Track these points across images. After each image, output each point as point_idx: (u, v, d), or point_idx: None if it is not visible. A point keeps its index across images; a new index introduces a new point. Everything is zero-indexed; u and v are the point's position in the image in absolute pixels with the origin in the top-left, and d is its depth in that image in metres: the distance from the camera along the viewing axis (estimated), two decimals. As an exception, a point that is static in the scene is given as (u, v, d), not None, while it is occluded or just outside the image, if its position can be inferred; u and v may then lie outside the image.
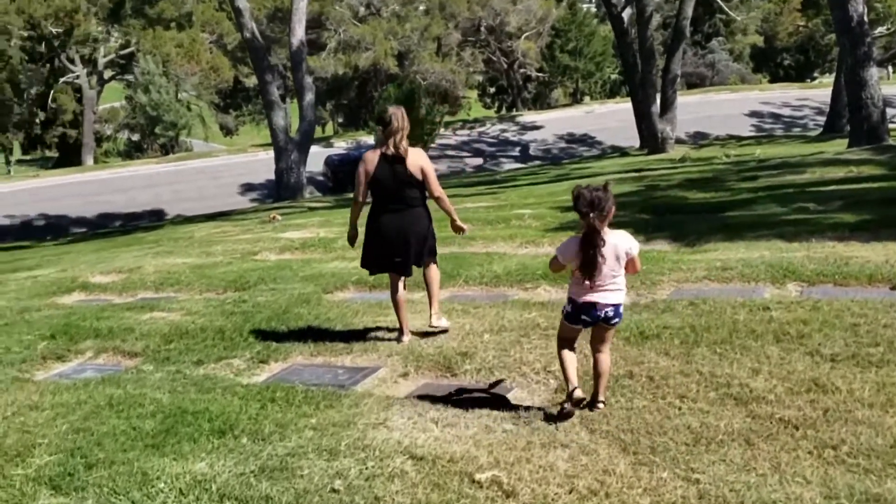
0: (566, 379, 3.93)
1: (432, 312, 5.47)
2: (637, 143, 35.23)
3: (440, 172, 38.39)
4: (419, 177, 5.25)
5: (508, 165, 38.93)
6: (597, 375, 4.00)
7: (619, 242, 3.88)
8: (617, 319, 3.94)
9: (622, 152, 36.06)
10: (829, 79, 63.94)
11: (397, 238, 5.30)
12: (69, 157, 55.79)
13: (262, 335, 5.99)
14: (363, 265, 5.66)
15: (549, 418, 3.88)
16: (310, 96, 24.18)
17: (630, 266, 3.93)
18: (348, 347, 5.42)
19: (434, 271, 5.53)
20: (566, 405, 3.87)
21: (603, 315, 3.86)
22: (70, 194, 35.73)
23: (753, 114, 46.00)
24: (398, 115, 5.28)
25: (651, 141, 29.51)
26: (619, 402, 3.98)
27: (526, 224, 11.68)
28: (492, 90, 69.98)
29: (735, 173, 16.56)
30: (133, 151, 59.34)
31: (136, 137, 60.13)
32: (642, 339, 4.89)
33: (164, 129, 48.04)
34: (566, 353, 3.98)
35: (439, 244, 9.75)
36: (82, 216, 32.93)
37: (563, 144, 43.47)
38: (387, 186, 5.25)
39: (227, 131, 69.92)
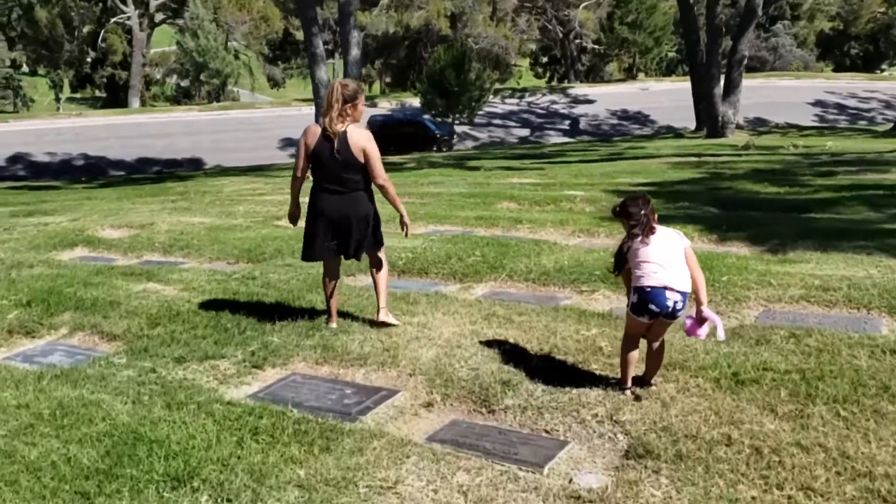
0: (623, 377, 3.88)
1: (380, 307, 5.01)
2: (692, 125, 33.70)
3: (482, 141, 37.48)
4: (360, 159, 4.77)
5: (556, 139, 37.56)
6: (650, 357, 3.90)
7: (670, 233, 3.90)
8: (681, 312, 3.74)
9: (676, 133, 34.51)
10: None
11: (339, 222, 4.88)
12: (117, 98, 55.62)
13: (263, 327, 5.00)
14: (304, 258, 5.16)
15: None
16: (355, 52, 23.02)
17: (689, 264, 3.81)
18: (363, 355, 4.40)
19: (380, 257, 5.12)
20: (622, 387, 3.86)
21: (671, 305, 3.68)
22: (112, 136, 35.29)
23: (817, 103, 43.91)
24: (333, 87, 4.84)
25: (711, 124, 27.90)
26: (720, 487, 2.89)
27: (578, 208, 10.53)
28: (544, 60, 68.26)
29: (807, 167, 15.18)
30: (181, 97, 58.95)
31: (184, 83, 59.70)
32: (737, 385, 3.78)
33: (210, 76, 47.29)
34: (631, 354, 3.85)
35: (484, 226, 8.62)
36: (121, 159, 32.44)
37: (614, 121, 41.92)
38: (326, 166, 4.83)
39: (274, 83, 69.22)
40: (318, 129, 4.85)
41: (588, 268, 6.38)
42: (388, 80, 66.49)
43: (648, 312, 3.71)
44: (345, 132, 4.76)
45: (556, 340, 4.51)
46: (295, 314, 5.25)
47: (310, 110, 39.75)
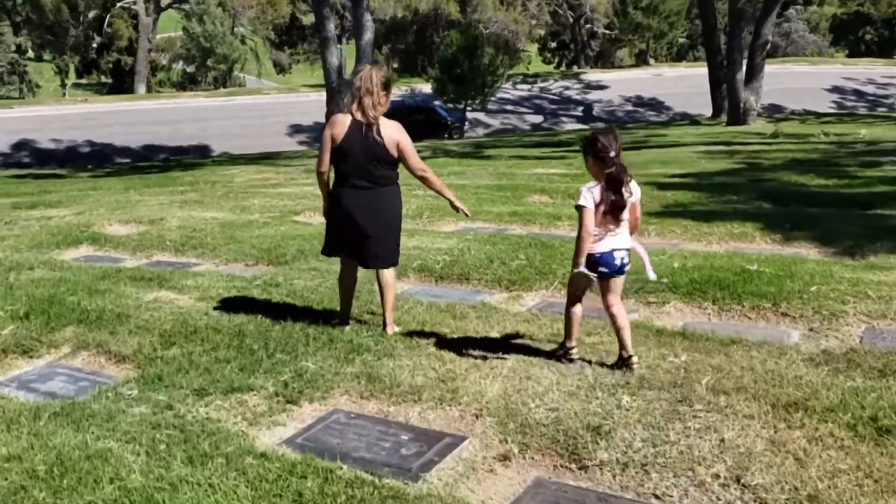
0: (567, 334, 4.04)
1: (387, 322, 4.67)
2: (708, 112, 32.97)
3: (494, 128, 36.78)
4: (394, 153, 4.45)
5: (570, 126, 36.81)
6: (619, 329, 3.93)
7: (634, 186, 3.90)
8: (628, 266, 3.95)
9: (692, 120, 33.79)
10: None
11: (361, 220, 4.49)
12: (123, 83, 54.95)
13: (295, 348, 4.34)
14: (324, 252, 4.80)
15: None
16: (368, 35, 22.26)
17: (633, 210, 3.94)
18: (415, 388, 3.73)
19: (390, 274, 4.67)
20: (558, 352, 4.09)
21: (619, 262, 3.88)
22: (118, 122, 34.65)
23: (834, 89, 43.08)
24: (365, 75, 4.45)
25: (732, 111, 27.11)
26: None
27: (616, 201, 9.83)
28: (553, 45, 67.26)
29: (847, 157, 14.43)
30: (186, 83, 58.20)
31: (190, 69, 58.93)
32: (881, 434, 3.11)
33: (217, 61, 46.53)
34: (574, 310, 4.02)
35: (519, 223, 7.95)
36: (127, 146, 31.82)
37: (629, 107, 41.15)
38: (355, 160, 4.43)
39: (281, 69, 68.42)
40: (347, 120, 4.44)
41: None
42: (395, 65, 65.69)
43: (598, 273, 3.87)
44: (378, 124, 4.41)
45: (641, 371, 3.84)
46: (329, 331, 4.60)
47: (318, 96, 39.08)
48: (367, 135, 4.38)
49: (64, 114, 36.69)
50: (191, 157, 28.76)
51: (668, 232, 7.59)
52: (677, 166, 13.50)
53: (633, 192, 3.89)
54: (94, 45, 59.79)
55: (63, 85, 57.61)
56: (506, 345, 4.30)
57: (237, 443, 3.21)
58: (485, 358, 4.08)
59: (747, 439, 3.11)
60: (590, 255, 3.83)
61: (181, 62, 61.27)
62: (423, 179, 4.59)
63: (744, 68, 26.76)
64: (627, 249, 3.92)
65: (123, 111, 37.33)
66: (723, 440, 3.12)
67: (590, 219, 3.78)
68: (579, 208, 3.81)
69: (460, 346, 4.31)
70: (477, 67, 32.30)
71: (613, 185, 3.76)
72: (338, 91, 22.02)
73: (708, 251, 6.63)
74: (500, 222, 8.55)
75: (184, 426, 3.38)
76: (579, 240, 3.83)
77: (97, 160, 29.05)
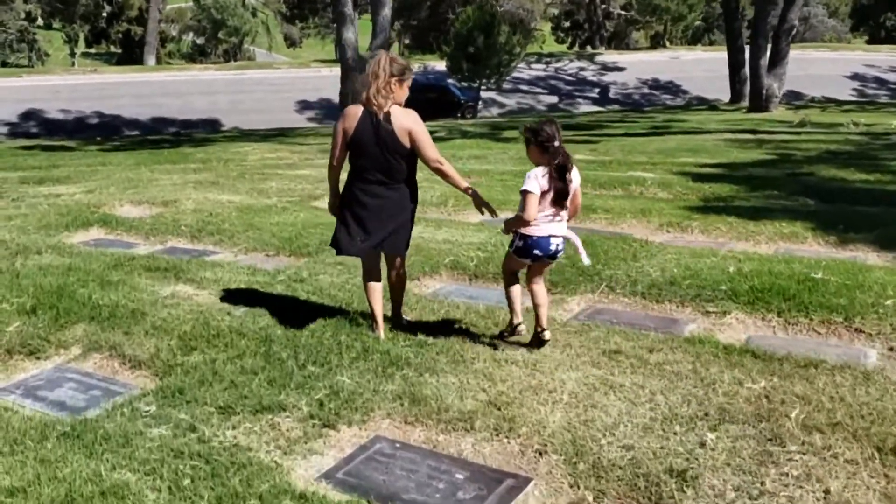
0: (512, 311, 4.17)
1: (396, 313, 4.58)
2: (725, 97, 32.37)
3: (509, 108, 36.23)
4: (407, 144, 4.18)
5: (585, 107, 36.22)
6: (537, 306, 4.12)
7: (575, 175, 3.99)
8: (561, 253, 4.10)
9: (710, 105, 33.19)
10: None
11: (377, 216, 4.27)
12: (132, 54, 54.35)
13: (327, 358, 3.94)
14: (334, 247, 4.47)
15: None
16: (386, 10, 21.69)
17: (574, 197, 4.04)
18: (465, 414, 3.33)
19: (398, 268, 4.49)
20: (506, 333, 4.24)
21: (555, 248, 4.02)
22: (127, 94, 34.17)
23: (855, 76, 42.32)
24: (375, 59, 4.22)
25: (754, 97, 26.51)
26: None
27: (650, 193, 9.41)
28: (566, 24, 66.33)
29: (884, 149, 13.92)
30: (196, 55, 57.57)
31: (200, 41, 58.26)
32: None
33: (228, 34, 45.91)
34: (514, 288, 4.18)
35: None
36: (136, 118, 31.38)
37: (645, 90, 40.48)
38: (368, 153, 4.21)
39: (291, 42, 67.71)
40: (358, 111, 4.20)
41: (706, 279, 5.28)
42: (407, 41, 64.88)
43: (532, 256, 4.03)
44: (388, 113, 4.15)
45: (718, 399, 3.43)
46: (362, 338, 4.20)
47: (329, 72, 38.58)
48: (377, 124, 4.14)
49: (73, 84, 36.20)
50: (201, 132, 28.30)
51: (713, 229, 7.15)
52: (707, 155, 13.03)
53: (574, 179, 3.98)
54: (104, 15, 59.14)
55: (72, 54, 57.03)
56: (560, 362, 3.89)
57: (272, 479, 2.81)
58: (539, 379, 3.67)
59: (857, 492, 2.71)
60: (527, 238, 3.99)
61: (191, 34, 60.60)
62: (439, 172, 4.28)
63: (767, 54, 26.12)
64: (564, 238, 4.03)
65: (133, 82, 36.83)
66: (828, 491, 2.72)
67: (534, 204, 3.89)
68: (524, 193, 3.91)
69: (508, 361, 3.91)
70: (492, 46, 31.71)
71: (560, 171, 3.87)
72: (354, 69, 21.49)
73: (761, 253, 6.19)
74: (531, 213, 8.12)
75: (210, 455, 2.99)
76: (518, 219, 3.99)
77: (106, 132, 28.63)
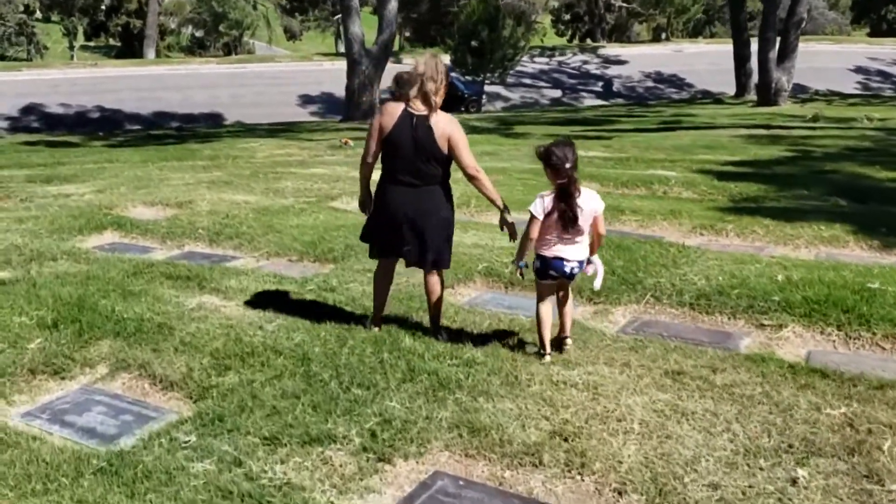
0: (541, 337, 4.09)
1: (435, 329, 4.40)
2: (730, 90, 32.11)
3: (513, 102, 36.01)
4: (445, 150, 4.08)
5: (589, 101, 35.95)
6: (562, 315, 4.18)
7: (590, 198, 3.96)
8: (578, 274, 4.08)
9: (715, 99, 32.95)
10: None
11: (408, 220, 4.15)
12: (132, 47, 53.93)
13: (373, 380, 3.71)
14: (364, 238, 4.48)
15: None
16: (392, 4, 21.38)
17: (595, 225, 4.01)
18: (530, 447, 3.09)
19: (436, 279, 4.34)
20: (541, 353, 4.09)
21: (569, 271, 4.01)
22: (127, 87, 33.83)
23: (859, 69, 42.06)
24: (429, 62, 4.10)
25: (763, 91, 26.24)
26: None
27: (674, 192, 9.18)
28: (566, 17, 65.91)
29: (904, 145, 13.70)
30: (196, 48, 57.14)
31: (199, 34, 57.82)
32: None
33: (229, 27, 45.54)
34: (544, 308, 4.09)
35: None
36: (137, 112, 31.06)
37: (649, 84, 40.18)
38: (403, 153, 4.10)
39: (291, 35, 67.21)
40: (398, 109, 4.09)
41: (755, 288, 5.05)
42: (408, 34, 64.49)
43: (549, 277, 4.05)
44: (428, 116, 4.07)
45: (800, 428, 3.20)
46: (406, 356, 3.97)
47: (331, 66, 38.27)
48: (416, 126, 4.05)
49: (72, 77, 35.85)
50: (203, 126, 28.00)
51: (749, 232, 6.92)
52: (726, 152, 12.78)
53: (596, 207, 3.96)
54: (103, 7, 58.65)
55: (71, 47, 56.58)
56: (622, 385, 3.65)
57: (332, 525, 2.58)
58: (603, 404, 3.44)
59: (973, 539, 2.48)
60: (541, 258, 4.04)
61: (190, 27, 60.15)
62: (474, 180, 4.18)
63: (776, 47, 25.86)
64: (580, 261, 4.01)
65: (133, 76, 36.48)
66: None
67: (535, 227, 3.96)
68: (530, 214, 3.97)
69: (565, 383, 3.68)
70: (497, 39, 31.46)
71: (563, 195, 3.86)
72: (360, 63, 21.22)
73: (808, 260, 5.96)
74: (557, 215, 7.89)
75: (262, 496, 2.76)
76: (522, 242, 4.09)
77: (107, 126, 28.32)
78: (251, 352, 4.09)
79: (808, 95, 33.06)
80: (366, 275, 5.57)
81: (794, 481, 2.81)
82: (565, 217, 3.87)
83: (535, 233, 3.97)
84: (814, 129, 17.10)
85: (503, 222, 4.29)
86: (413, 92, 4.07)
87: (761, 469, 2.89)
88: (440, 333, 4.37)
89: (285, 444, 3.13)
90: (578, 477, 2.90)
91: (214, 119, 30.77)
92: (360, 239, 4.57)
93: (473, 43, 31.28)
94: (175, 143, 18.17)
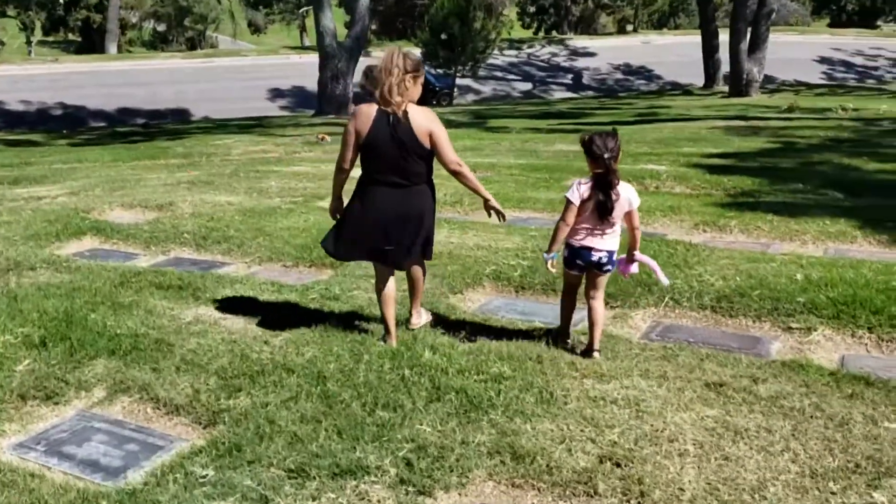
0: (562, 325, 4.22)
1: (413, 311, 4.43)
2: (700, 81, 32.23)
3: (485, 95, 35.85)
4: (427, 145, 3.98)
5: (559, 93, 35.86)
6: (591, 324, 4.06)
7: (626, 191, 3.91)
8: (610, 267, 4.03)
9: (685, 90, 33.07)
10: (893, 27, 59.56)
11: (394, 222, 4.04)
12: (92, 42, 52.76)
13: (397, 400, 3.46)
14: (328, 246, 4.26)
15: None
16: (365, -3, 21.07)
17: (630, 219, 3.99)
18: (579, 473, 2.87)
19: (421, 267, 4.34)
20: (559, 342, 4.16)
21: (597, 260, 3.97)
22: (90, 83, 33.01)
23: (823, 60, 42.53)
24: (386, 55, 3.98)
25: (735, 82, 26.37)
26: None
27: (667, 187, 9.02)
28: (532, 9, 65.82)
29: (884, 136, 13.72)
30: (158, 43, 56.03)
31: (161, 28, 56.71)
32: None
33: (194, 21, 44.68)
34: (567, 301, 4.19)
35: (542, 211, 7.00)
36: (101, 109, 30.32)
37: (618, 76, 40.23)
38: (384, 154, 3.97)
39: (256, 29, 66.28)
40: (372, 110, 3.96)
41: (775, 289, 4.88)
42: (374, 27, 63.92)
43: (576, 266, 4.03)
44: (405, 112, 3.93)
45: (862, 445, 3.01)
46: (429, 371, 3.72)
47: (299, 59, 37.78)
48: (394, 125, 3.92)
49: (32, 73, 34.90)
50: (170, 122, 27.42)
51: (754, 228, 6.77)
52: (709, 144, 12.68)
53: (631, 200, 3.92)
54: (62, 2, 57.25)
55: (28, 42, 55.15)
56: (665, 400, 3.44)
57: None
58: (649, 423, 3.22)
59: None
60: (569, 246, 4.01)
61: (152, 21, 59.00)
62: (457, 175, 4.10)
63: (747, 38, 25.98)
64: (608, 252, 3.98)
65: (96, 72, 35.61)
66: None
67: (571, 213, 3.91)
68: (567, 200, 3.93)
69: (604, 399, 3.45)
70: (468, 32, 31.24)
71: (601, 185, 3.83)
72: (332, 56, 20.84)
73: (822, 257, 5.81)
74: (554, 212, 7.67)
75: (299, 540, 2.50)
76: (557, 228, 4.00)
77: (70, 124, 27.58)
78: (261, 370, 3.81)
79: (775, 86, 33.33)
80: (368, 281, 5.29)
81: (871, 507, 2.63)
82: (601, 207, 3.85)
83: (571, 219, 3.92)
84: (790, 119, 17.12)
85: (490, 207, 4.25)
86: (378, 91, 3.96)
87: (833, 493, 2.70)
88: (419, 316, 4.43)
89: (314, 477, 2.87)
90: (641, 509, 2.68)
91: (181, 115, 30.13)
92: (321, 243, 4.36)
93: (444, 36, 31.03)
94: (144, 141, 17.68)
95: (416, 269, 4.32)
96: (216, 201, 8.18)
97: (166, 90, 32.77)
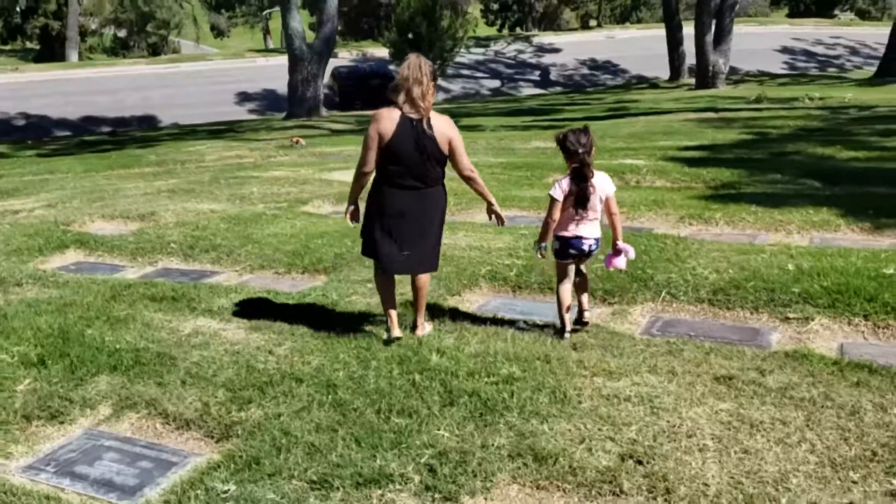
0: (561, 318, 4.37)
1: (418, 322, 4.40)
2: (665, 75, 32.51)
3: (454, 93, 35.84)
4: (446, 151, 4.15)
5: (528, 90, 35.97)
6: (580, 293, 4.47)
7: (601, 181, 4.23)
8: (595, 250, 4.33)
9: (651, 84, 33.30)
10: (849, 16, 60.64)
11: (413, 224, 4.17)
12: (51, 50, 51.84)
13: (409, 406, 3.45)
14: (366, 253, 4.38)
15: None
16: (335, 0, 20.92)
17: (608, 205, 4.27)
18: (603, 472, 2.87)
19: (426, 278, 4.36)
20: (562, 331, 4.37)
21: (588, 248, 4.28)
22: (53, 92, 32.44)
23: (784, 50, 43.11)
24: (413, 64, 4.08)
25: (701, 75, 26.67)
26: None
27: (648, 182, 9.10)
28: (495, 6, 65.97)
29: (852, 123, 13.97)
30: (119, 49, 55.22)
31: (122, 34, 55.89)
32: None
33: (157, 26, 44.14)
34: (565, 288, 4.37)
35: (528, 209, 7.05)
36: (65, 118, 29.82)
37: (585, 71, 40.40)
38: (406, 159, 4.08)
39: (219, 32, 65.61)
40: (395, 115, 4.06)
41: (769, 280, 4.94)
42: (339, 28, 63.60)
43: (569, 256, 4.31)
44: (429, 119, 4.08)
45: (876, 434, 3.06)
46: (440, 375, 3.72)
47: (265, 62, 37.51)
48: (418, 131, 4.04)
49: (-9, 83, 34.28)
50: (138, 130, 27.05)
51: (739, 220, 6.85)
52: (684, 137, 12.81)
53: (606, 188, 4.23)
54: (19, 9, 56.23)
55: (-15, 51, 54.15)
56: (677, 396, 3.47)
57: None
58: (665, 419, 3.25)
59: None
60: (560, 239, 4.28)
61: (112, 27, 58.14)
62: (470, 181, 4.32)
63: (712, 30, 26.29)
64: (596, 239, 4.29)
65: (58, 80, 35.06)
66: None
67: (557, 209, 4.20)
68: (550, 197, 4.23)
69: (617, 396, 3.48)
70: (435, 31, 31.24)
71: (578, 177, 4.13)
72: (302, 59, 20.70)
73: (809, 247, 5.89)
74: (539, 209, 7.70)
75: (332, 553, 2.48)
76: (545, 224, 4.28)
77: (34, 133, 27.11)
78: (269, 381, 3.78)
79: (739, 77, 33.68)
80: (366, 286, 5.28)
81: (892, 494, 2.67)
82: (580, 198, 4.15)
83: (556, 214, 4.21)
84: (759, 110, 17.34)
85: (492, 211, 4.43)
86: (402, 98, 4.05)
87: (854, 483, 2.74)
88: (423, 328, 4.39)
89: (337, 488, 2.85)
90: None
91: (148, 121, 29.76)
92: (362, 254, 4.47)
93: (410, 35, 31.00)
94: (115, 150, 17.41)
95: (422, 280, 4.33)
96: (199, 209, 8.09)
97: (131, 97, 32.32)
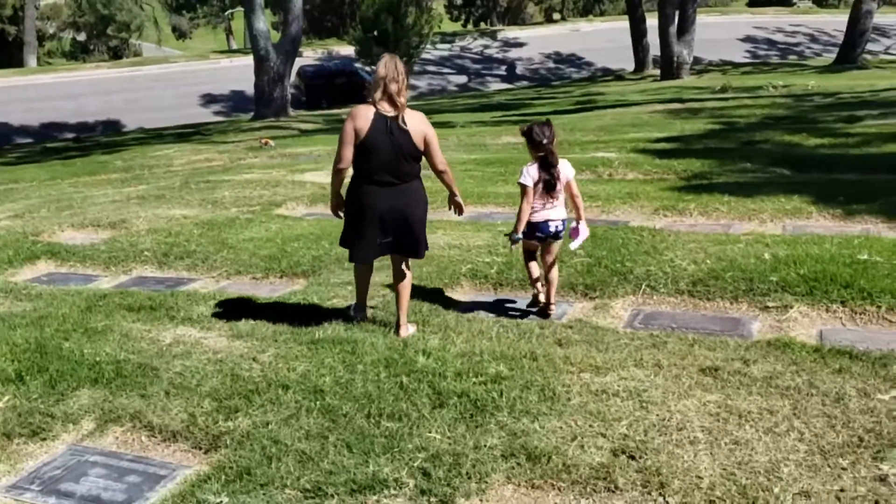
0: (532, 284, 4.80)
1: (401, 323, 4.42)
2: (630, 67, 32.74)
3: (421, 90, 35.73)
4: (421, 147, 4.22)
5: (495, 85, 36.03)
6: (549, 283, 4.69)
7: (564, 167, 4.55)
8: (562, 232, 4.61)
9: (616, 76, 33.52)
10: (807, 4, 61.51)
11: (390, 219, 4.24)
12: (8, 55, 50.80)
13: (399, 409, 3.43)
14: (354, 259, 4.49)
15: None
16: (300, 1, 20.76)
17: (570, 188, 4.59)
18: (596, 469, 2.88)
19: (409, 271, 4.47)
20: (531, 306, 4.86)
21: (554, 230, 4.56)
22: (12, 98, 31.84)
23: (747, 38, 43.64)
24: (388, 63, 4.18)
25: (665, 66, 26.88)
26: None
27: (620, 174, 9.15)
28: (459, 1, 65.88)
29: (817, 111, 14.17)
30: (79, 53, 54.32)
31: (81, 38, 54.98)
32: None
33: (117, 29, 43.51)
34: (532, 264, 4.74)
35: (503, 205, 7.65)
36: (26, 124, 29.30)
37: (550, 64, 40.57)
38: (380, 155, 4.15)
39: (181, 34, 64.81)
40: (370, 112, 4.12)
41: (746, 269, 5.00)
42: (303, 25, 63.11)
43: (536, 238, 4.59)
44: (403, 116, 4.15)
45: (861, 420, 3.11)
46: (429, 377, 3.71)
47: (230, 63, 37.16)
48: (392, 128, 4.11)
49: (-53, 91, 33.56)
50: (102, 135, 26.67)
51: (712, 210, 6.92)
52: (653, 129, 12.90)
53: (566, 172, 4.54)
54: (-26, 14, 55.08)
55: (-60, 58, 52.91)
56: (665, 389, 3.50)
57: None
58: (654, 412, 3.27)
59: None
60: (530, 223, 4.53)
61: (70, 31, 57.17)
62: (443, 174, 4.40)
63: (676, 21, 26.51)
64: (563, 220, 4.58)
65: (17, 86, 34.41)
66: None
67: (530, 195, 4.48)
68: (522, 185, 4.51)
69: (605, 392, 3.49)
70: (401, 28, 31.15)
71: (545, 165, 4.46)
72: (268, 59, 20.52)
73: (784, 235, 5.97)
74: (514, 205, 7.71)
75: (331, 562, 2.46)
76: (521, 212, 4.52)
77: (-6, 142, 26.65)
78: (255, 389, 3.74)
79: (703, 66, 34.00)
80: (346, 288, 5.25)
81: (882, 479, 2.71)
82: (547, 184, 4.47)
83: (531, 199, 4.48)
84: (726, 99, 17.52)
85: (453, 202, 4.55)
86: (378, 95, 4.11)
87: (844, 469, 2.78)
88: (406, 328, 4.42)
89: (332, 496, 2.83)
90: (661, 499, 2.72)
91: (112, 126, 29.33)
92: (339, 244, 4.57)
93: (375, 32, 30.89)
94: (80, 156, 17.14)
95: (404, 282, 4.41)
96: (171, 215, 7.99)
97: (93, 102, 31.84)
